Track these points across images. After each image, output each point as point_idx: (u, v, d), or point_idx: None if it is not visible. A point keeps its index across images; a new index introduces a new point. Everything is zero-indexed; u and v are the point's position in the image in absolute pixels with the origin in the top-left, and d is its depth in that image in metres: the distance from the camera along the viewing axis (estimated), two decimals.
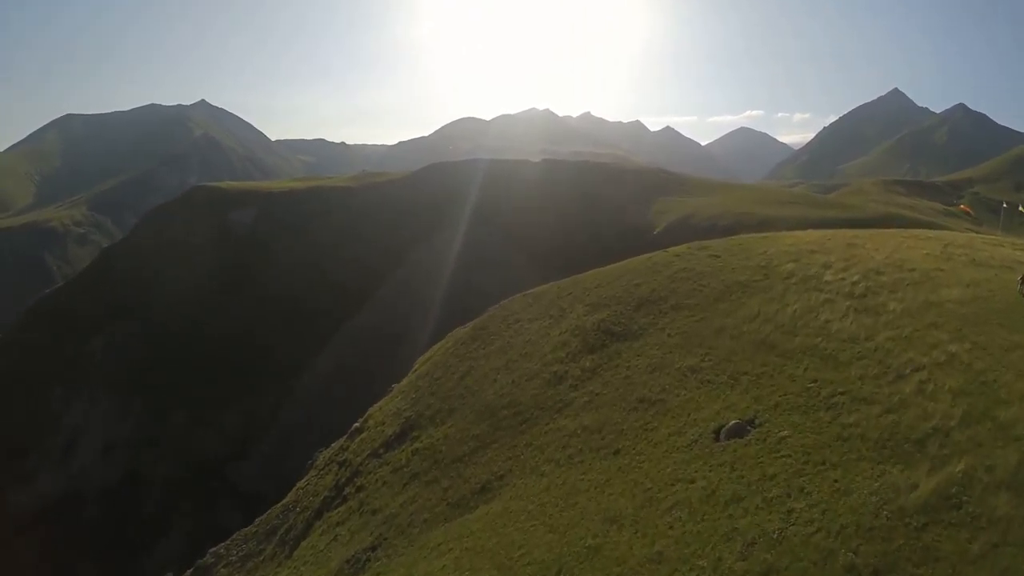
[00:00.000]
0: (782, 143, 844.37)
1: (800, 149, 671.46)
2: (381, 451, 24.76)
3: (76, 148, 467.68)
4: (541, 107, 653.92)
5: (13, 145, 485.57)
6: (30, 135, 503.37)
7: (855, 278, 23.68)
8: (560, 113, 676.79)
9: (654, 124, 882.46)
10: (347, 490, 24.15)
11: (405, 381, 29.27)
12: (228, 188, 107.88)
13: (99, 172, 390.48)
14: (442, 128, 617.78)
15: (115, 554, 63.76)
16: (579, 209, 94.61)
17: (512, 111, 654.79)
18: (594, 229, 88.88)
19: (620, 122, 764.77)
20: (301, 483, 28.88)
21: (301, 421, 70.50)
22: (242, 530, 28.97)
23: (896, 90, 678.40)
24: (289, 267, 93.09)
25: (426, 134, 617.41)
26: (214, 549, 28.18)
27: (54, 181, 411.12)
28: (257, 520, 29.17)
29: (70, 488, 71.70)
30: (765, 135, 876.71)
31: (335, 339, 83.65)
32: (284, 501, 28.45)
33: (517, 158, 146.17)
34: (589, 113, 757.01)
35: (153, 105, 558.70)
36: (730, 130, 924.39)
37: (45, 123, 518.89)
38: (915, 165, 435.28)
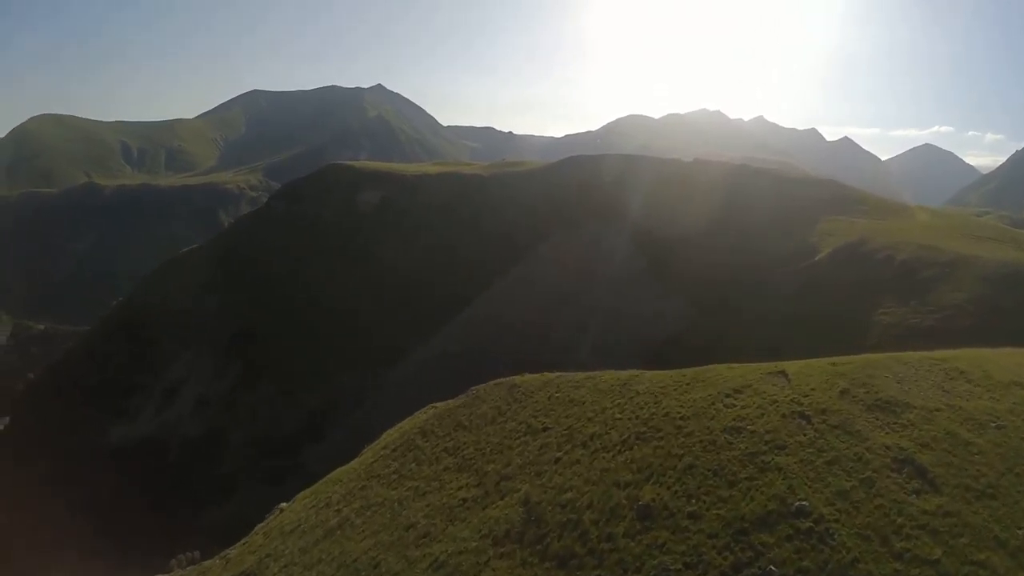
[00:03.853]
0: (968, 165, 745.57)
1: (988, 174, 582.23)
2: None
3: (258, 120, 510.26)
4: (712, 108, 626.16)
5: (203, 113, 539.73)
6: (218, 106, 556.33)
7: None
8: (732, 116, 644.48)
9: (832, 134, 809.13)
10: None
11: (351, 465, 21.61)
12: (360, 168, 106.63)
13: (277, 144, 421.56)
14: (609, 124, 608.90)
15: (184, 502, 64.45)
16: (729, 219, 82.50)
17: (682, 111, 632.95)
18: (744, 245, 76.71)
19: (795, 129, 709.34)
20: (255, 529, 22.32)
21: (381, 412, 65.93)
22: (204, 562, 23.67)
23: None
24: (408, 251, 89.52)
25: (594, 129, 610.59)
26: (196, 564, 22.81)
27: (236, 148, 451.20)
28: (223, 552, 23.68)
29: (161, 432, 74.52)
30: (951, 155, 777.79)
31: (440, 332, 78.55)
32: (228, 552, 22.26)
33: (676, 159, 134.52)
34: (762, 117, 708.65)
35: (333, 86, 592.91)
36: (913, 146, 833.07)
37: (233, 96, 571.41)
38: None
